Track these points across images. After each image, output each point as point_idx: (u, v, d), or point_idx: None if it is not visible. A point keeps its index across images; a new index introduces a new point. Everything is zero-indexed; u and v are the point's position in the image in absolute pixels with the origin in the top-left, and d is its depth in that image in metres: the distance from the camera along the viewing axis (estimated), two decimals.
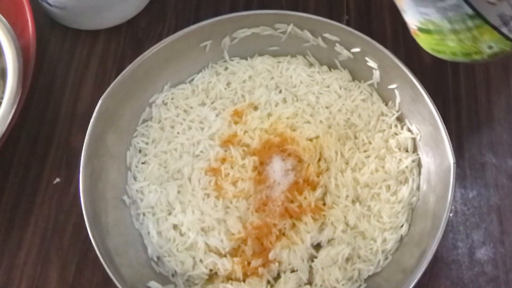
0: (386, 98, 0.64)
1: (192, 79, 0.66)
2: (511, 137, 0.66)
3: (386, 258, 0.58)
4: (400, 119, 0.63)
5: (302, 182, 0.60)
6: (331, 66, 0.66)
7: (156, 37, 0.73)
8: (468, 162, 0.65)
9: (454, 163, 0.56)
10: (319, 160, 0.62)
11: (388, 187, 0.60)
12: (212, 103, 0.65)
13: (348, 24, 0.71)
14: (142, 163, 0.63)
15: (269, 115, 0.64)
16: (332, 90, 0.65)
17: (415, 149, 0.62)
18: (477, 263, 0.61)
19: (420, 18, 0.54)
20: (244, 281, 0.58)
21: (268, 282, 0.58)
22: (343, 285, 0.57)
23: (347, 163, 0.61)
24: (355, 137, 0.62)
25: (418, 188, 0.60)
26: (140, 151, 0.63)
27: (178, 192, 0.61)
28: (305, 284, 0.58)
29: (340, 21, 0.68)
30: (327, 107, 0.64)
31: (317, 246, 0.59)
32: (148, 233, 0.60)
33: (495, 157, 0.65)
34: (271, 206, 0.59)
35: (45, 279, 0.61)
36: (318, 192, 0.60)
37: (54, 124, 0.68)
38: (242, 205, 0.60)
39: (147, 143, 0.63)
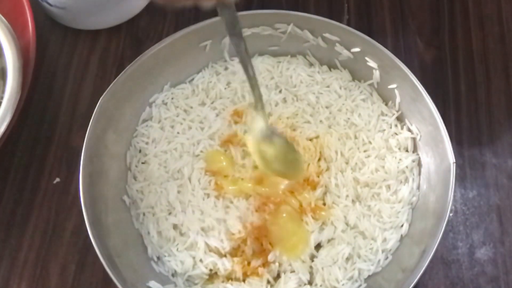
0: (386, 98, 0.64)
1: (192, 79, 0.66)
2: (511, 137, 0.66)
3: (386, 258, 0.58)
4: (400, 119, 0.63)
5: (302, 182, 0.60)
6: (331, 66, 0.66)
7: (156, 37, 0.73)
8: (468, 162, 0.65)
9: (454, 163, 0.56)
10: (319, 159, 0.62)
11: (388, 186, 0.60)
12: (212, 103, 0.65)
13: (348, 24, 0.71)
14: (142, 163, 0.63)
15: (269, 114, 0.64)
16: (332, 90, 0.65)
17: (415, 149, 0.62)
18: (477, 263, 0.61)
19: None
20: (244, 281, 0.58)
21: (268, 282, 0.58)
22: (343, 284, 0.57)
23: (347, 163, 0.61)
24: (355, 137, 0.62)
25: (418, 187, 0.60)
26: (140, 151, 0.63)
27: (178, 192, 0.61)
28: (305, 284, 0.58)
29: (340, 21, 0.68)
30: (327, 107, 0.64)
31: (317, 246, 0.59)
32: (148, 233, 0.60)
33: (495, 157, 0.65)
34: (271, 206, 0.59)
35: (45, 279, 0.61)
36: (318, 191, 0.60)
37: (54, 124, 0.68)
38: (242, 205, 0.60)
39: (147, 143, 0.63)
